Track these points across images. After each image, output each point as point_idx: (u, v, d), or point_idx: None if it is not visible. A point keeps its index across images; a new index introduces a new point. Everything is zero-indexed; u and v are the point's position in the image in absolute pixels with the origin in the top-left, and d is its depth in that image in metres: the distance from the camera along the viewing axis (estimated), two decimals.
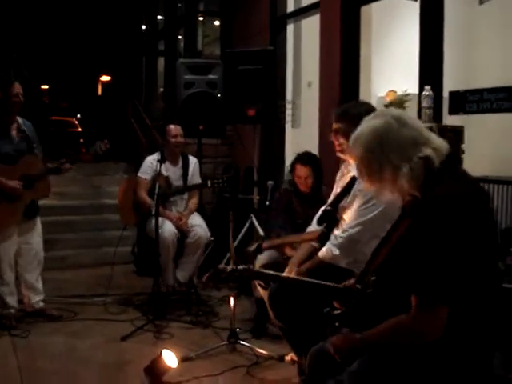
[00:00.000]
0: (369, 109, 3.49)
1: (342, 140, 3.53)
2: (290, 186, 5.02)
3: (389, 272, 2.23)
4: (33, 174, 4.94)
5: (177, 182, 5.80)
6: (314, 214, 3.89)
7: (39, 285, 5.22)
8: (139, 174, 5.80)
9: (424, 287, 1.99)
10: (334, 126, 3.57)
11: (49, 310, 5.23)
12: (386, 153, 2.13)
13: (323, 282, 2.57)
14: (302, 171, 4.77)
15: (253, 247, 4.02)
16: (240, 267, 2.62)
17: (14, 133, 5.01)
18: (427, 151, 2.10)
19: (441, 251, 1.97)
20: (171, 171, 5.79)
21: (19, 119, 5.09)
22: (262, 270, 2.89)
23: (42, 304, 5.21)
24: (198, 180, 5.89)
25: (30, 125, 5.19)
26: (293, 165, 4.86)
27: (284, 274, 3.42)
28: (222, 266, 2.81)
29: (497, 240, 2.20)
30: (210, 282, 5.20)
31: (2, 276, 4.95)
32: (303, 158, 4.83)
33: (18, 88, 4.97)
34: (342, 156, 3.60)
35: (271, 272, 2.92)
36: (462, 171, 2.22)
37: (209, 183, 5.34)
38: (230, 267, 2.66)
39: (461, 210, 2.01)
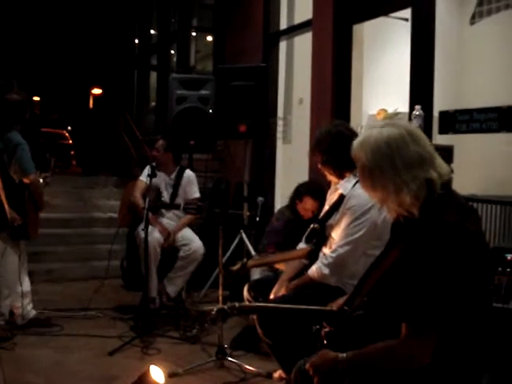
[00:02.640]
0: (341, 132, 3.60)
1: (321, 167, 3.69)
2: (292, 213, 5.03)
3: (381, 296, 2.20)
4: None
5: (167, 192, 5.86)
6: None
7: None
8: (140, 177, 5.87)
9: (416, 315, 1.97)
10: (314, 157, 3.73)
11: (39, 316, 5.24)
12: (393, 166, 2.08)
13: (310, 307, 2.58)
14: (311, 205, 4.79)
15: (237, 266, 4.01)
16: (225, 306, 2.61)
17: None
18: (433, 174, 2.07)
19: (436, 280, 1.94)
20: (162, 179, 5.87)
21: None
22: (248, 305, 2.89)
23: (34, 312, 5.19)
24: (193, 194, 5.92)
25: None
26: (300, 195, 4.88)
27: (270, 305, 3.42)
28: (207, 308, 2.80)
29: (490, 267, 2.19)
30: (197, 325, 5.17)
31: (22, 285, 5.00)
32: (315, 192, 4.83)
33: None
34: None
35: (258, 304, 2.92)
36: (457, 195, 2.19)
37: (181, 207, 5.31)
38: (215, 308, 2.64)
39: (457, 241, 1.97)
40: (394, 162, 2.09)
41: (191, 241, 5.68)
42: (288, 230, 5.06)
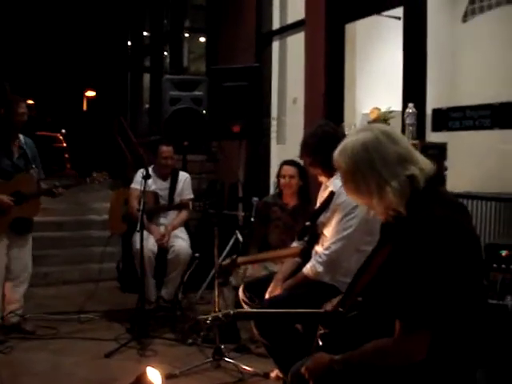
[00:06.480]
0: (326, 131, 3.62)
1: (310, 169, 3.73)
2: (274, 198, 5.12)
3: (374, 295, 2.21)
4: (25, 193, 4.97)
5: (164, 196, 5.85)
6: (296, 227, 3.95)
7: (22, 300, 5.22)
8: (132, 185, 5.89)
9: (408, 312, 1.97)
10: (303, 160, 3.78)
11: (24, 323, 5.21)
12: (373, 167, 2.10)
13: (306, 310, 2.57)
14: (288, 171, 4.88)
15: (227, 261, 4.03)
16: (220, 315, 2.54)
17: (14, 149, 5.08)
18: (414, 170, 2.09)
19: (426, 276, 1.95)
20: (159, 185, 5.89)
21: (20, 136, 5.17)
22: (242, 311, 2.86)
23: (18, 318, 5.19)
24: (189, 195, 5.97)
25: (31, 142, 5.29)
26: (280, 167, 5.01)
27: (264, 310, 3.41)
28: (201, 317, 2.67)
29: (481, 260, 2.19)
30: (191, 334, 5.10)
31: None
32: (290, 160, 4.96)
33: (23, 107, 5.05)
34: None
35: (253, 310, 2.90)
36: (443, 191, 2.20)
37: (190, 205, 5.32)
38: (210, 317, 2.56)
39: (446, 235, 1.98)
40: (373, 164, 2.11)
41: (177, 242, 5.65)
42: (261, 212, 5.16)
